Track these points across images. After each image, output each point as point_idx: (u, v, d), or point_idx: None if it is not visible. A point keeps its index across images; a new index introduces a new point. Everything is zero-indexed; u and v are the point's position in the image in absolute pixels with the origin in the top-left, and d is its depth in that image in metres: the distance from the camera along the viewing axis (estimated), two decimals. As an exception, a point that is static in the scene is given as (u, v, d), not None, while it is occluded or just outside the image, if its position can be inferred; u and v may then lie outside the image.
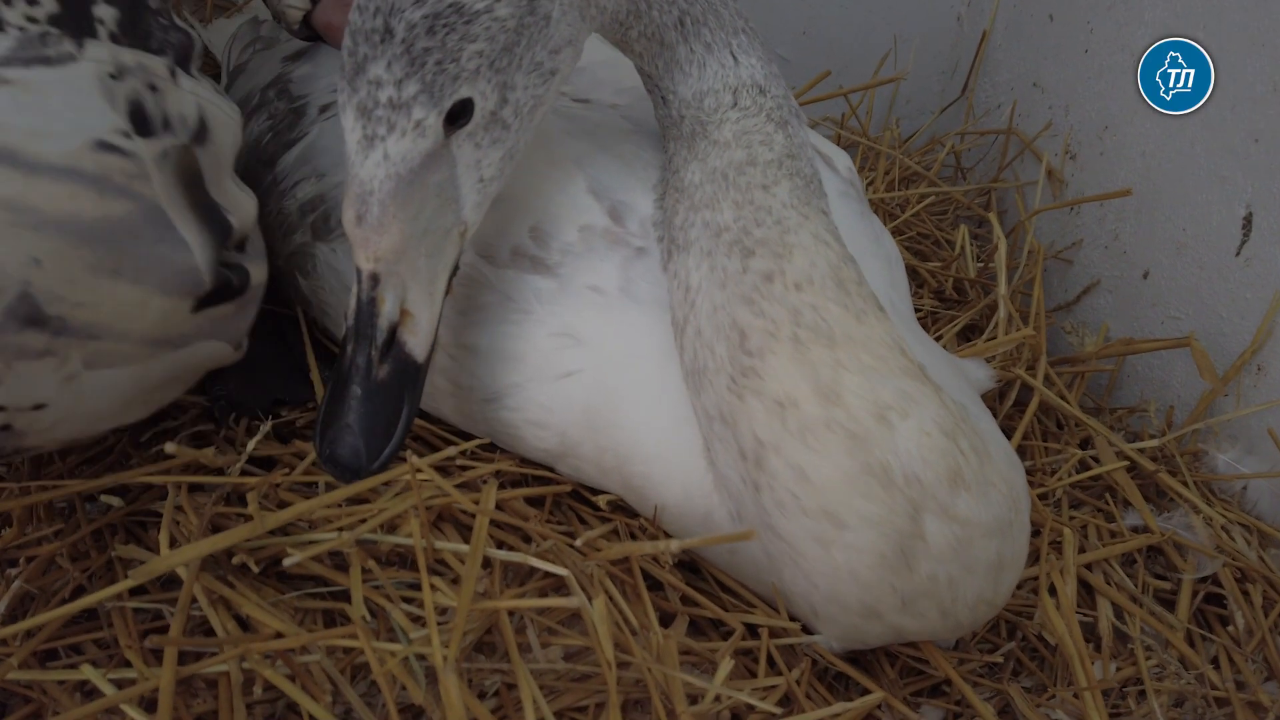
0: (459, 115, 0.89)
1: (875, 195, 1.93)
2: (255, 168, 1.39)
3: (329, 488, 1.05)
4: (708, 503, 1.02)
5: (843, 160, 1.38)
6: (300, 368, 1.32)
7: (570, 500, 1.16)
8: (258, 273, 1.07)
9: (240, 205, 1.05)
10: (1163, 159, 1.48)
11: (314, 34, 1.44)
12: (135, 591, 0.97)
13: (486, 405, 1.14)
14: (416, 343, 0.94)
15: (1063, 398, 1.33)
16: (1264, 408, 1.19)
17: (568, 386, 1.08)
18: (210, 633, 0.88)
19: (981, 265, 1.78)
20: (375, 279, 0.91)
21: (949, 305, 1.75)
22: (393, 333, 0.93)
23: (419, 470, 0.99)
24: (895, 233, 1.89)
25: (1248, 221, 1.27)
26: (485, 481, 1.06)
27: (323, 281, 1.25)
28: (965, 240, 1.78)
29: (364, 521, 0.95)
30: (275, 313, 1.38)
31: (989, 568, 0.90)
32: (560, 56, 0.95)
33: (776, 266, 0.94)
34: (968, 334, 1.63)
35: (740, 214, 0.98)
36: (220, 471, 1.07)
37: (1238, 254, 1.29)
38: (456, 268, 0.98)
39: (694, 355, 0.97)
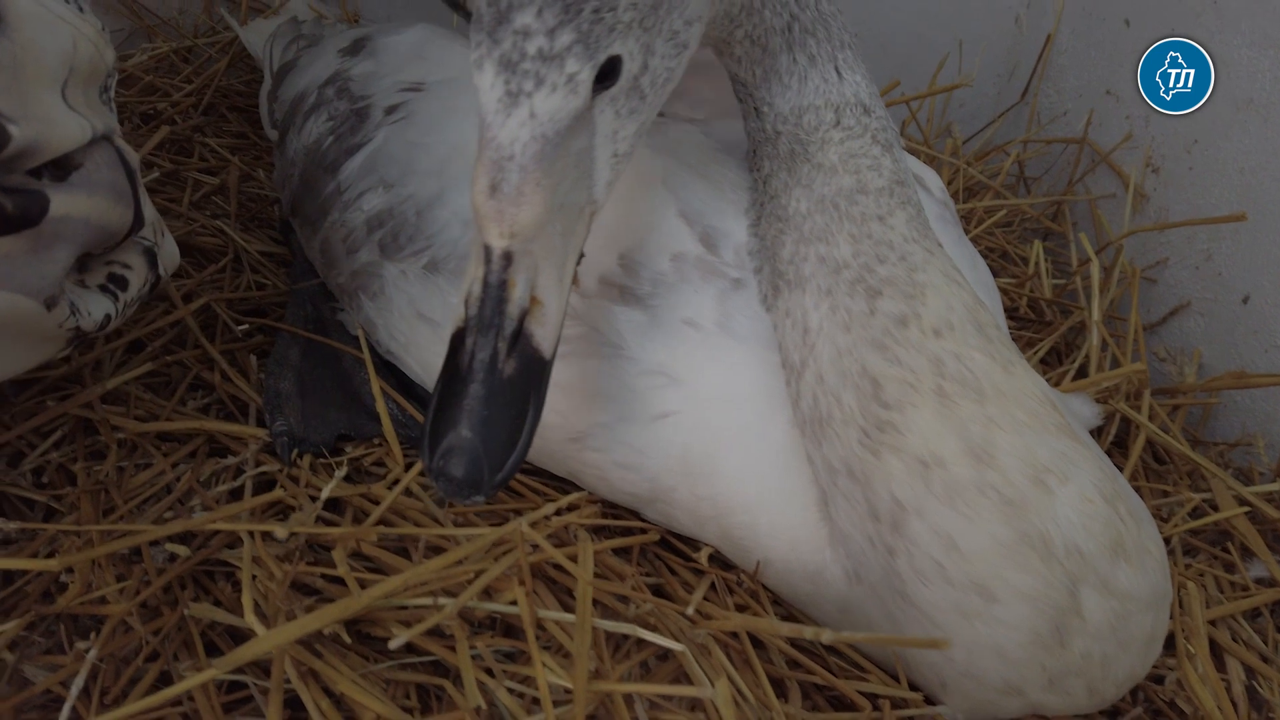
0: (606, 75, 0.79)
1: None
2: (316, 173, 1.32)
3: (413, 545, 0.99)
4: (819, 559, 0.95)
5: (934, 180, 1.30)
6: (360, 398, 1.25)
7: (657, 549, 1.09)
8: (66, 204, 0.87)
9: (49, 121, 0.85)
10: (1265, 176, 1.40)
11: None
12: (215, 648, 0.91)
13: (570, 444, 1.07)
14: (544, 335, 0.81)
15: (1167, 432, 1.26)
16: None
17: (663, 429, 1.01)
18: (300, 707, 0.82)
19: (1058, 284, 1.71)
20: (508, 258, 0.78)
21: (1025, 326, 1.67)
22: (521, 322, 0.80)
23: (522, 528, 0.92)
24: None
25: (1370, 249, 1.20)
26: (577, 536, 1.00)
27: (391, 304, 1.18)
28: (1040, 256, 1.71)
29: (460, 583, 0.88)
30: (327, 337, 1.31)
31: (1144, 642, 0.84)
32: (691, 30, 0.86)
33: (909, 309, 0.87)
34: (1049, 360, 1.56)
35: (859, 248, 0.91)
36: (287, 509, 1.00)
37: (1358, 284, 1.21)
38: (582, 255, 0.88)
39: (814, 403, 0.90)
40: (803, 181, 0.97)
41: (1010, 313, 1.71)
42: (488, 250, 0.78)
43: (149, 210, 0.97)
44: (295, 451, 1.18)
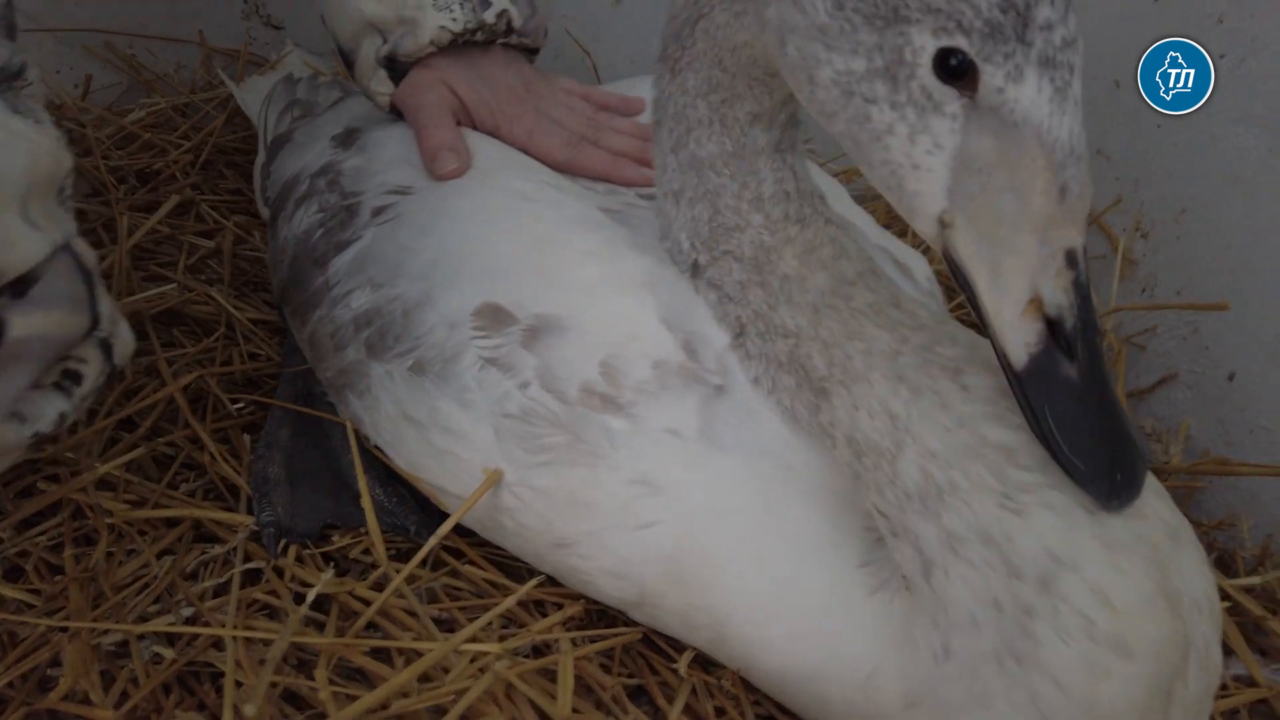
0: None
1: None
2: (306, 265, 1.33)
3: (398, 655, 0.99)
4: (872, 662, 0.91)
5: (921, 266, 1.31)
6: (349, 483, 1.26)
7: (641, 647, 1.10)
8: (24, 325, 0.87)
9: (9, 244, 0.84)
10: (1252, 253, 1.41)
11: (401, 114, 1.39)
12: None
13: (555, 549, 1.09)
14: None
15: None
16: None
17: (647, 538, 1.02)
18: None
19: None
20: (1074, 258, 0.76)
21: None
22: None
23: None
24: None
25: (1351, 339, 1.21)
26: (556, 642, 1.01)
27: (378, 404, 1.19)
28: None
29: (440, 697, 0.90)
30: (320, 420, 1.32)
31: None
32: None
33: (1002, 380, 0.83)
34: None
35: (897, 334, 0.93)
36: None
37: (1340, 374, 1.22)
38: None
39: (926, 477, 0.86)
40: (785, 297, 0.99)
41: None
42: (1070, 254, 0.76)
43: (105, 306, 0.97)
44: (282, 542, 1.19)
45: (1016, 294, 0.77)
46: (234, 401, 1.41)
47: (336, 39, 1.43)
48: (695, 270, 1.07)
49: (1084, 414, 0.78)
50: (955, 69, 0.76)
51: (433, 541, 1.08)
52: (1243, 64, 1.45)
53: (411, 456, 1.17)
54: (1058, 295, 0.76)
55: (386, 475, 1.24)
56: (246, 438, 1.38)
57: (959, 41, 0.75)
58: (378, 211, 1.29)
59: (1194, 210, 1.54)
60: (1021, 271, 0.77)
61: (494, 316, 1.10)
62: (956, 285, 0.82)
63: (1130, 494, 0.80)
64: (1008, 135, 0.76)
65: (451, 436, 1.11)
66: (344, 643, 0.96)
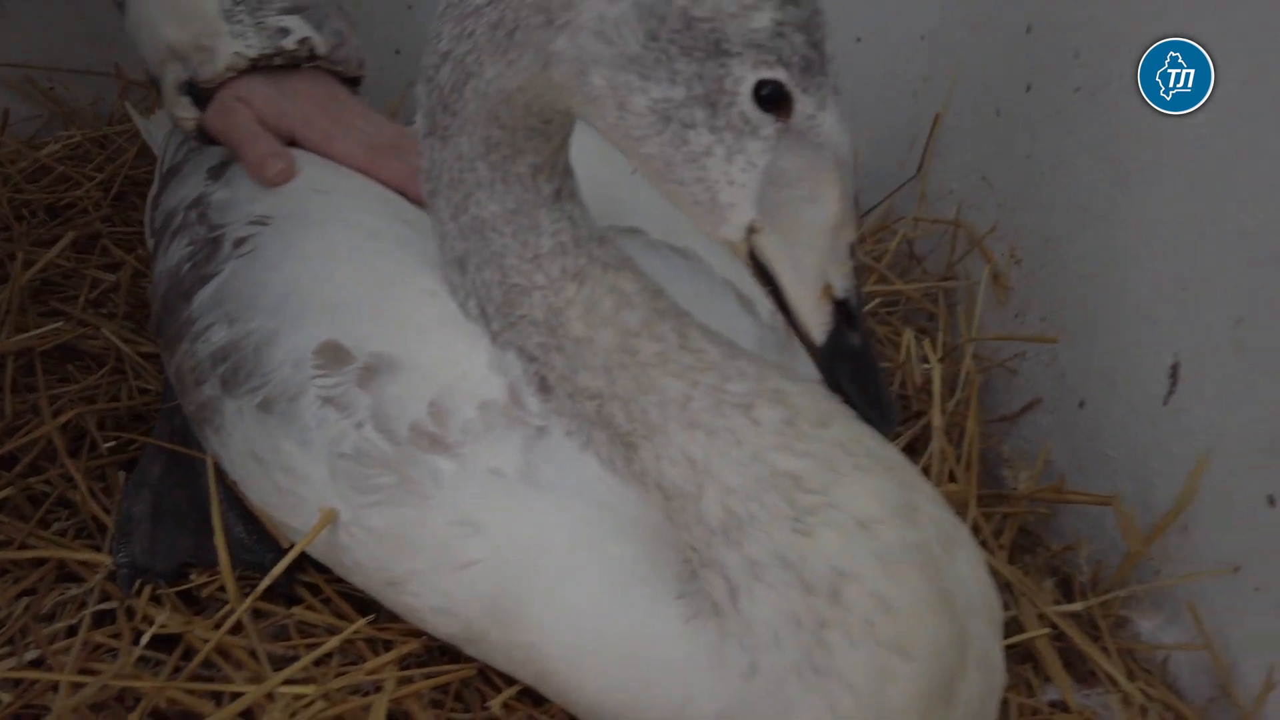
0: None
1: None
2: (175, 299, 1.36)
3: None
4: (686, 688, 0.95)
5: (765, 303, 1.35)
6: (210, 523, 1.29)
7: (479, 683, 1.14)
8: None
9: None
10: (1101, 284, 1.45)
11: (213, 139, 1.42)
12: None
13: (389, 588, 1.12)
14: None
15: (990, 548, 1.31)
16: (1182, 579, 1.16)
17: (469, 577, 1.05)
18: None
19: (929, 367, 1.75)
20: (853, 249, 0.91)
21: (892, 415, 1.72)
22: None
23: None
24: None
25: (1174, 371, 1.25)
26: (379, 688, 1.04)
27: (230, 440, 1.22)
28: (910, 345, 1.75)
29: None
30: (190, 457, 1.35)
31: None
32: None
33: (788, 412, 0.95)
34: (909, 454, 1.60)
35: (687, 379, 0.98)
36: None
37: (1165, 403, 1.26)
38: None
39: (727, 511, 0.93)
40: (578, 361, 1.03)
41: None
42: (851, 246, 0.90)
43: None
44: (137, 583, 1.22)
45: (814, 284, 0.90)
46: (109, 440, 1.44)
47: (146, 66, 1.44)
48: (492, 335, 1.10)
49: (866, 373, 0.93)
50: (770, 98, 0.85)
51: (266, 581, 1.11)
52: (1095, 96, 1.49)
53: (260, 494, 1.20)
54: (844, 281, 0.90)
55: (250, 512, 1.27)
56: (122, 475, 1.41)
57: (779, 74, 0.84)
58: (239, 243, 1.31)
59: (1055, 239, 1.58)
60: (818, 265, 0.90)
61: (334, 355, 1.13)
62: (758, 281, 0.94)
63: (892, 424, 0.95)
64: (812, 154, 0.87)
65: (292, 476, 1.15)
66: (165, 685, 0.99)
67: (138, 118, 2.04)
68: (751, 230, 0.91)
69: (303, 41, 1.36)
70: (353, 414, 1.11)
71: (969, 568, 0.94)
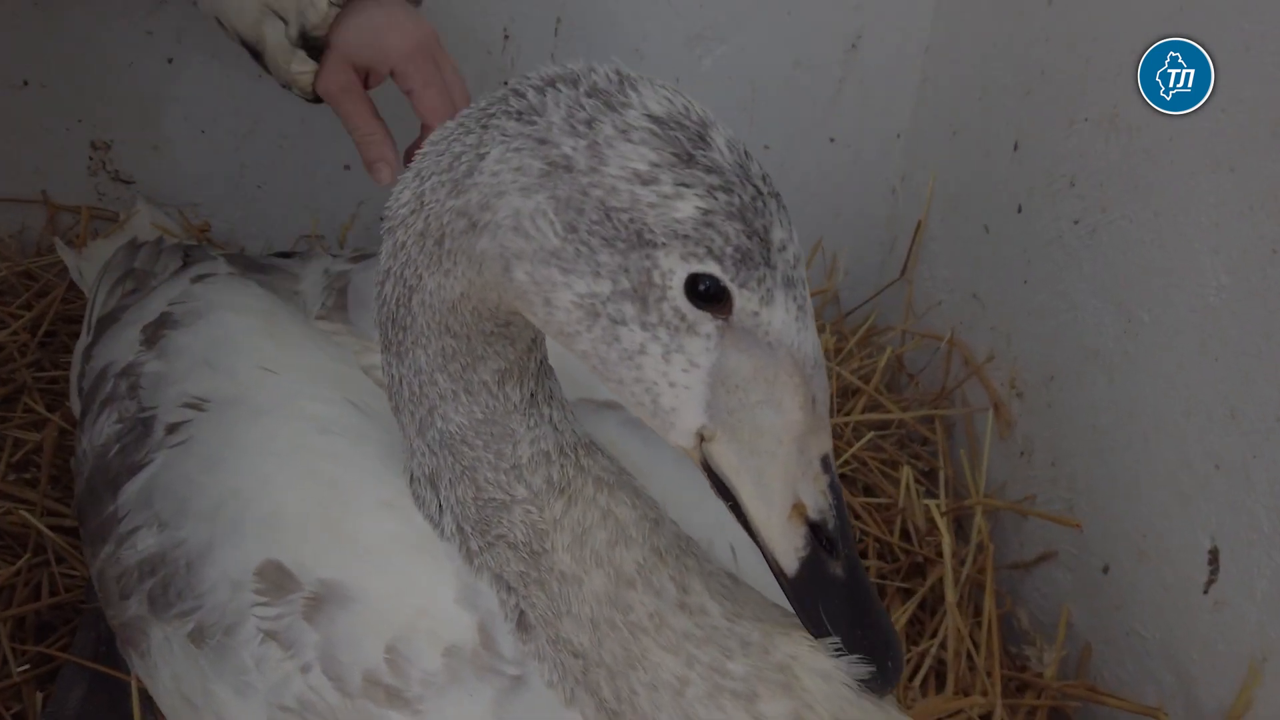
0: None
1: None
2: (100, 487, 1.20)
3: None
4: None
5: None
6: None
7: None
8: None
9: None
10: (1116, 438, 1.34)
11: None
12: None
13: None
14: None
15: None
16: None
17: None
18: None
19: (931, 503, 1.63)
20: (828, 462, 0.80)
21: (892, 565, 1.59)
22: None
23: None
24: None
25: (1214, 557, 1.13)
26: None
27: (157, 673, 1.06)
28: (909, 483, 1.63)
29: None
30: (118, 679, 1.20)
31: None
32: None
33: (798, 703, 0.81)
34: (919, 610, 1.48)
35: (683, 656, 0.84)
36: None
37: (1205, 592, 1.14)
38: None
39: None
40: (562, 606, 0.88)
41: (880, 547, 1.63)
42: (826, 460, 0.79)
43: None
44: None
45: (781, 502, 0.79)
46: (23, 657, 1.27)
47: (240, 34, 1.39)
48: (469, 556, 0.97)
49: (852, 608, 0.81)
50: (707, 293, 0.75)
51: None
52: (1096, 233, 1.39)
53: (191, 740, 1.04)
54: (819, 499, 0.79)
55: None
56: (40, 696, 1.24)
57: (711, 268, 0.74)
58: (172, 429, 1.16)
59: (1061, 378, 1.47)
60: (784, 480, 0.79)
61: (276, 580, 0.99)
62: (715, 493, 0.82)
63: (897, 675, 0.83)
64: (762, 354, 0.77)
65: None
66: None
67: (67, 253, 1.88)
68: (702, 438, 0.80)
69: None
70: (298, 654, 0.96)
71: None
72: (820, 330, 1.91)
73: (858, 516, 1.64)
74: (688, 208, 0.74)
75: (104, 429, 1.26)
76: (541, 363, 0.96)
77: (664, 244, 0.74)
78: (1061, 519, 1.33)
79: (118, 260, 1.75)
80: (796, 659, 0.83)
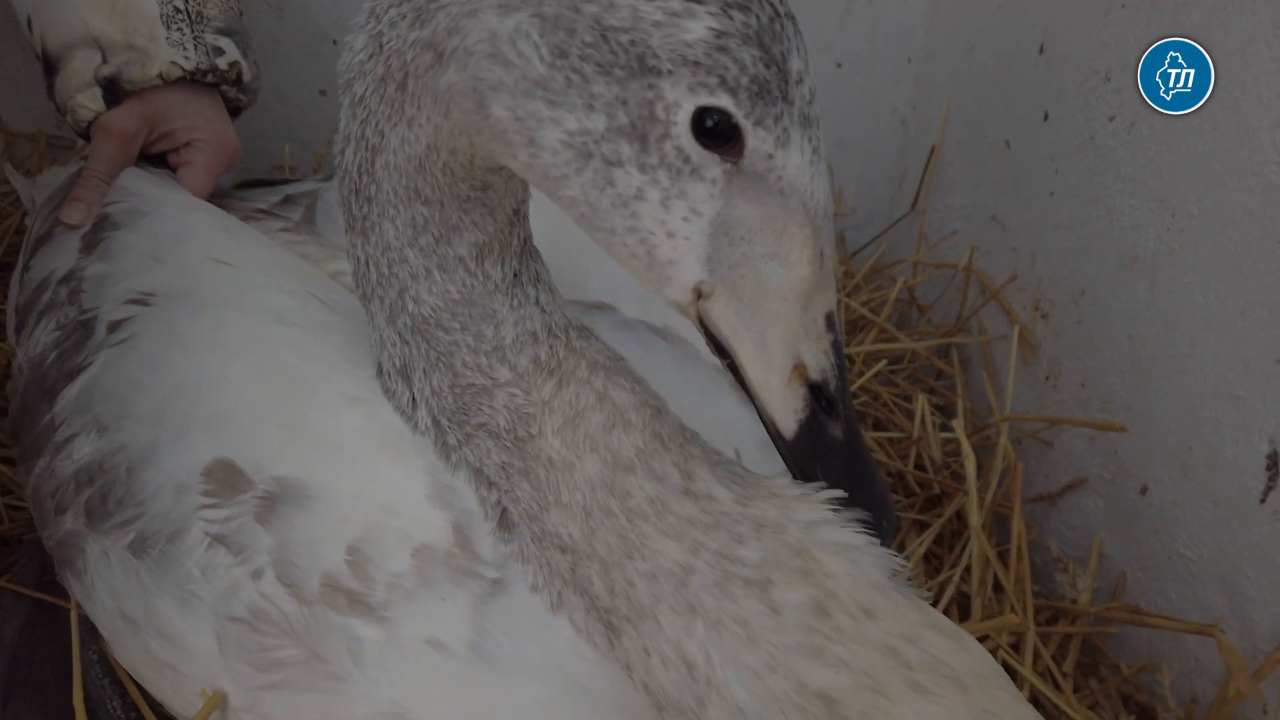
0: None
1: (819, 353, 1.65)
2: (35, 398, 1.08)
3: None
4: None
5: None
6: (87, 693, 1.02)
7: None
8: None
9: None
10: (1157, 348, 1.22)
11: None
12: None
13: (298, 803, 0.85)
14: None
15: (1054, 680, 1.06)
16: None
17: (401, 795, 0.80)
18: None
19: (948, 436, 1.52)
20: (832, 320, 0.73)
21: (908, 497, 1.48)
22: None
23: None
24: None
25: (1273, 462, 1.02)
26: None
27: (94, 592, 0.95)
28: (925, 412, 1.52)
29: None
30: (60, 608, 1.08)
31: None
32: None
33: (819, 590, 0.71)
34: (935, 545, 1.37)
35: (688, 542, 0.74)
36: None
37: (1263, 501, 1.03)
38: None
39: None
40: (544, 488, 0.78)
41: (895, 480, 1.52)
42: (830, 317, 0.73)
43: None
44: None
45: (782, 363, 0.73)
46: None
47: (43, 44, 1.31)
48: (446, 451, 0.86)
49: (849, 470, 0.76)
50: (715, 131, 0.66)
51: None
52: (1135, 127, 1.28)
53: (132, 663, 0.94)
54: (821, 359, 0.73)
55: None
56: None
57: (723, 101, 0.65)
58: (114, 327, 1.04)
59: (1093, 292, 1.36)
60: (786, 340, 0.73)
61: (226, 479, 0.88)
62: (712, 351, 0.75)
63: (891, 535, 0.78)
64: (772, 202, 0.69)
65: (170, 645, 0.89)
66: None
67: (19, 181, 1.75)
68: (700, 294, 0.72)
69: (233, 65, 1.31)
70: (249, 559, 0.85)
71: None
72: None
73: (874, 452, 1.53)
74: (699, 28, 0.64)
75: (41, 338, 1.15)
76: (526, 242, 0.86)
77: (670, 71, 0.64)
78: (1105, 424, 1.22)
79: (62, 186, 1.63)
80: (815, 530, 0.73)
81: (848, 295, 1.79)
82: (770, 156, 0.67)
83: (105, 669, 1.02)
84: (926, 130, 1.96)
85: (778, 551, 0.72)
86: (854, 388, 1.60)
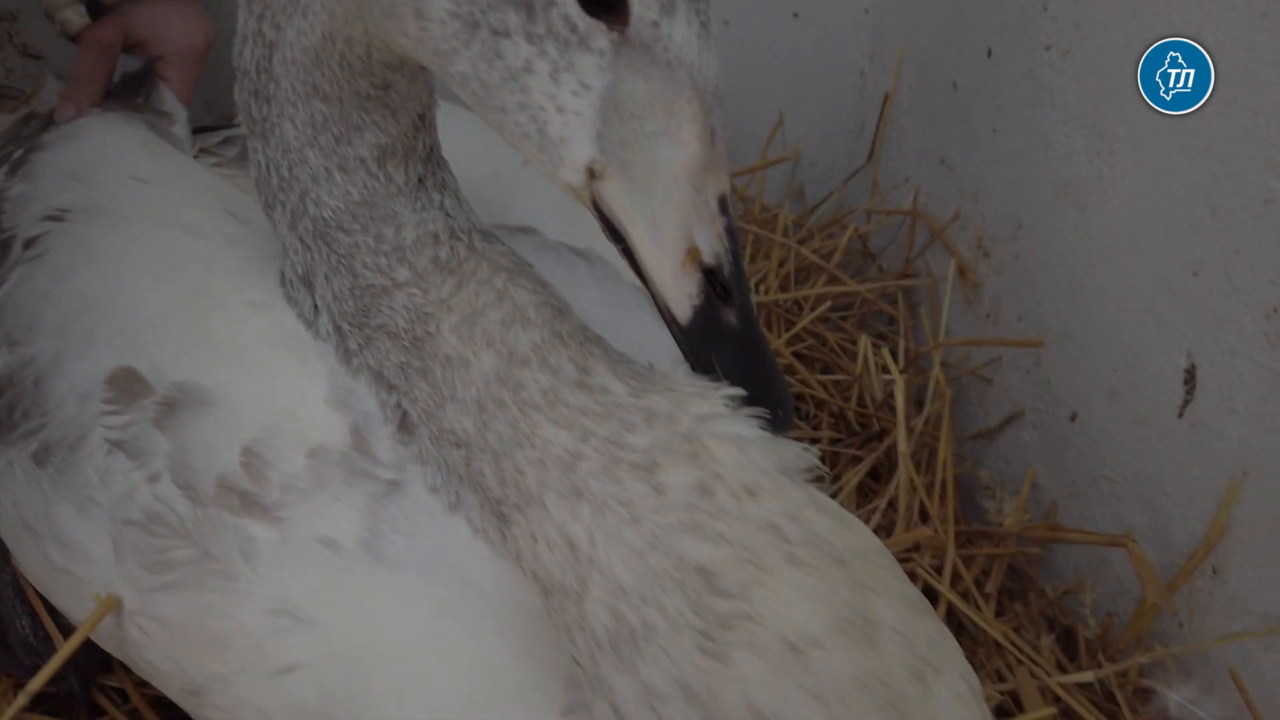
0: None
1: (767, 297, 1.65)
2: None
3: None
4: None
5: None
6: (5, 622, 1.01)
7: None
8: None
9: None
10: (1087, 273, 1.22)
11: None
12: None
13: (189, 697, 0.86)
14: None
15: (973, 600, 1.06)
16: (1221, 643, 0.92)
17: (288, 686, 0.80)
18: None
19: (890, 379, 1.52)
20: (725, 204, 0.72)
21: (849, 437, 1.48)
22: None
23: None
24: (791, 340, 1.63)
25: (1190, 376, 1.01)
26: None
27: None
28: (867, 352, 1.51)
29: None
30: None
31: None
32: None
33: (704, 473, 0.70)
34: (872, 481, 1.36)
35: (578, 429, 0.73)
36: None
37: (1180, 415, 1.03)
38: None
39: (617, 619, 0.70)
40: (438, 383, 0.78)
41: (836, 419, 1.52)
42: (724, 200, 0.72)
43: None
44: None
45: (675, 245, 0.72)
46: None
47: None
48: (347, 357, 0.86)
49: (744, 358, 0.74)
50: None
51: (21, 700, 0.83)
52: (1069, 54, 1.27)
53: (34, 573, 0.94)
54: (714, 243, 0.72)
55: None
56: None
57: None
58: (30, 243, 1.05)
59: (1030, 225, 1.35)
60: (678, 222, 0.72)
61: (127, 386, 0.88)
62: (607, 237, 0.75)
63: (789, 423, 0.75)
64: (660, 76, 0.69)
65: (67, 551, 0.89)
66: None
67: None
68: (593, 174, 0.71)
69: None
70: (147, 464, 0.85)
71: (950, 704, 0.69)
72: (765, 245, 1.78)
73: (815, 393, 1.52)
74: None
75: None
76: (433, 150, 0.86)
77: None
78: (1023, 341, 1.22)
79: (6, 131, 1.62)
80: (708, 422, 0.71)
81: (799, 242, 1.78)
82: (656, 25, 0.67)
83: (17, 590, 1.02)
84: (883, 81, 1.94)
85: (668, 438, 0.71)
86: (797, 329, 1.60)
